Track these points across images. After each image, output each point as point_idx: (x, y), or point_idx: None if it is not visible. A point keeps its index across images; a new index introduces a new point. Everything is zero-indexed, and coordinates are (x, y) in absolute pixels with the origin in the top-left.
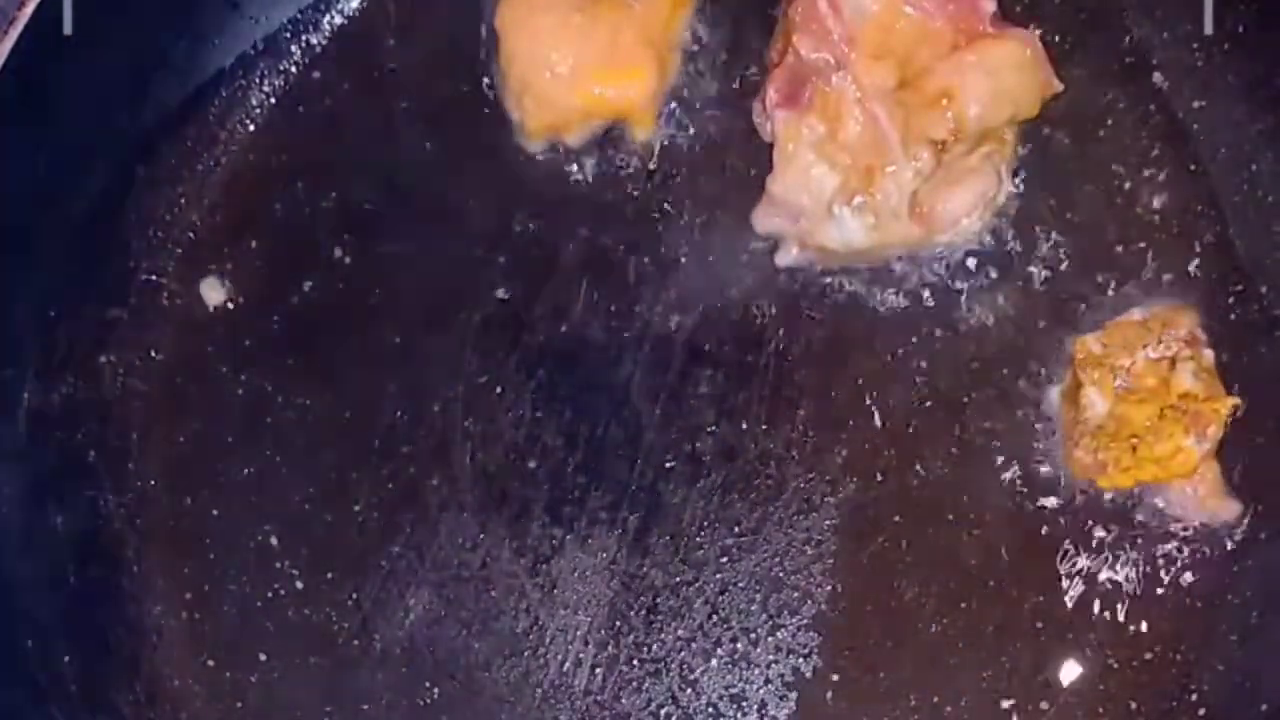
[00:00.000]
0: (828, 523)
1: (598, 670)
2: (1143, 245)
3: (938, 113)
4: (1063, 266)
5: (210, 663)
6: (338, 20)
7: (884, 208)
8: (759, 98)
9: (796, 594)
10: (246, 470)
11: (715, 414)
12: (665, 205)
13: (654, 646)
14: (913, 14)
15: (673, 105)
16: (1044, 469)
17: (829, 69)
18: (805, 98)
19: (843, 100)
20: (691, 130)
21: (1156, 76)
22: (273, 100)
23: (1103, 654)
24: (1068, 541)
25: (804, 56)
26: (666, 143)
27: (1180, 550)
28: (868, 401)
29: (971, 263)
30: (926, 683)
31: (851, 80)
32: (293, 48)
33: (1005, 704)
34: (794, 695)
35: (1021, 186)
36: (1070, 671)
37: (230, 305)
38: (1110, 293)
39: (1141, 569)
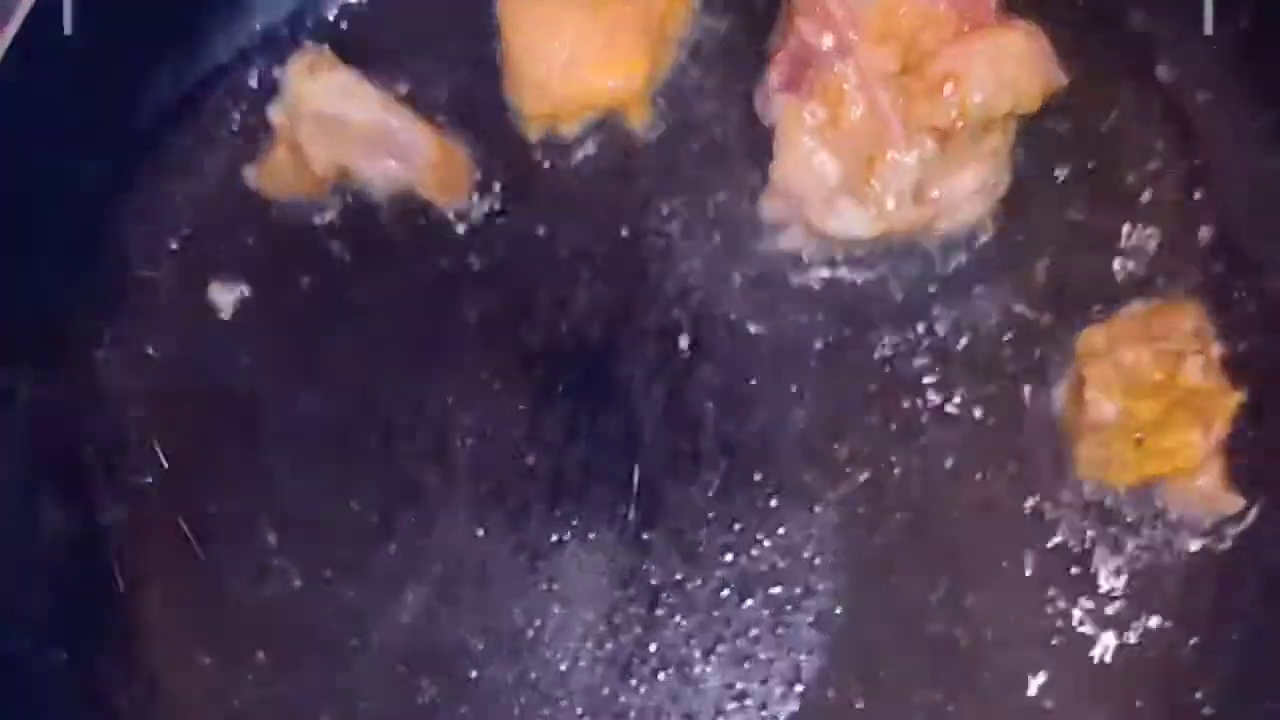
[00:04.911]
0: (828, 520)
1: (597, 667)
2: (1147, 239)
3: (940, 99)
4: (1066, 261)
5: (210, 663)
6: (337, 15)
7: (885, 197)
8: (760, 83)
9: (797, 591)
10: (246, 470)
11: (715, 412)
12: (666, 198)
13: (654, 644)
14: None
15: (674, 94)
16: (1047, 466)
17: (831, 53)
18: (807, 82)
19: (845, 85)
20: (693, 119)
21: (1161, 70)
22: (272, 97)
23: (1103, 654)
24: (1070, 539)
25: (806, 41)
26: (668, 132)
27: (1182, 548)
28: (868, 399)
29: (975, 258)
30: (927, 681)
31: (854, 65)
32: (292, 44)
33: (1005, 704)
34: (795, 693)
35: (1025, 180)
36: (1071, 671)
37: (230, 305)
38: (1114, 287)
39: (1143, 567)
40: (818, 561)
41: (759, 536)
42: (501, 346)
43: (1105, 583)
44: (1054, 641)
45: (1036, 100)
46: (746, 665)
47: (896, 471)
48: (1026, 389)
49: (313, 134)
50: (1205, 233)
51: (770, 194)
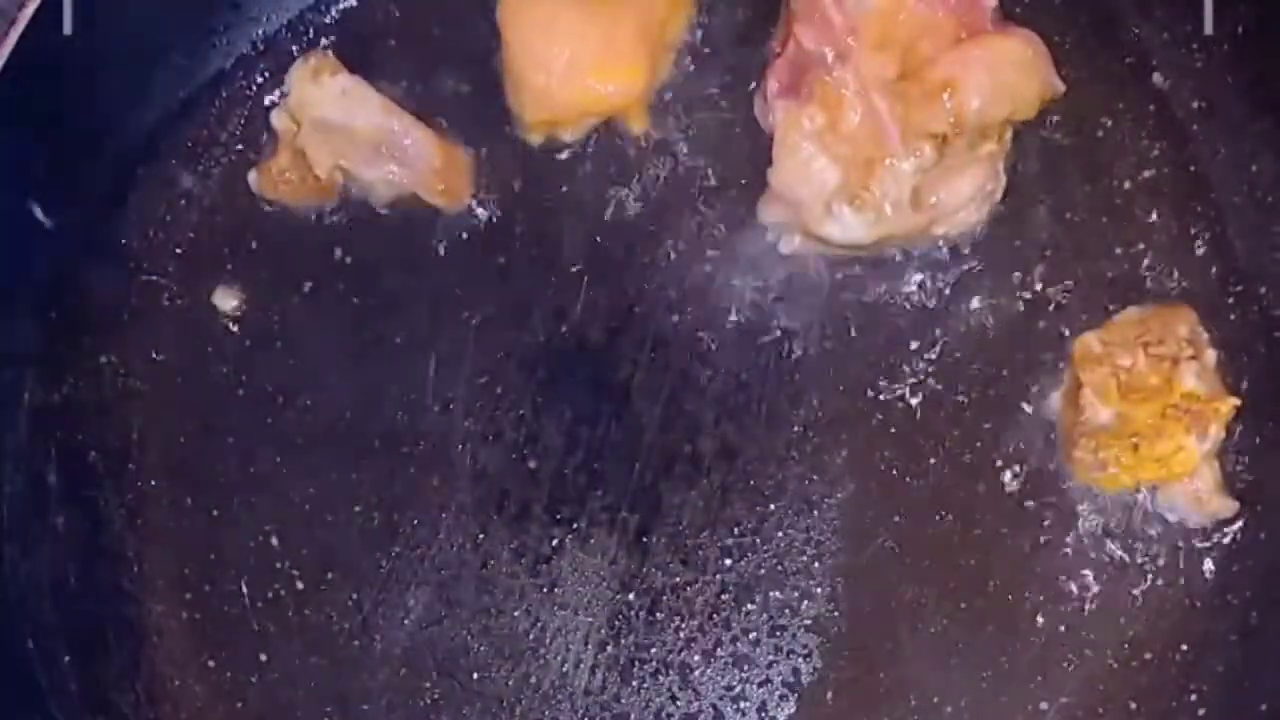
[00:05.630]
0: (828, 523)
1: (598, 670)
2: (1142, 245)
3: (937, 105)
4: (1062, 266)
5: (210, 663)
6: (338, 20)
7: (883, 203)
8: (760, 89)
9: (796, 594)
10: (246, 470)
11: (715, 414)
12: (666, 202)
13: (654, 647)
14: (915, 6)
15: (673, 99)
16: (1044, 469)
17: (830, 59)
18: (806, 88)
19: (843, 91)
20: (692, 124)
21: (1156, 77)
22: (273, 100)
23: (1103, 654)
24: (1068, 541)
25: (805, 47)
26: (667, 138)
27: (1180, 550)
28: (868, 401)
29: (972, 263)
30: (926, 683)
31: (852, 71)
32: (293, 48)
33: (1005, 704)
34: (794, 696)
35: (1021, 186)
36: (1070, 672)
37: (231, 305)
38: (1110, 293)
39: (1141, 569)
40: (816, 565)
41: (758, 540)
42: (502, 350)
43: (1101, 585)
44: (1050, 643)
45: (1034, 107)
46: (745, 668)
47: (894, 476)
48: (1023, 393)
49: (315, 138)
50: (1201, 239)
51: (769, 199)
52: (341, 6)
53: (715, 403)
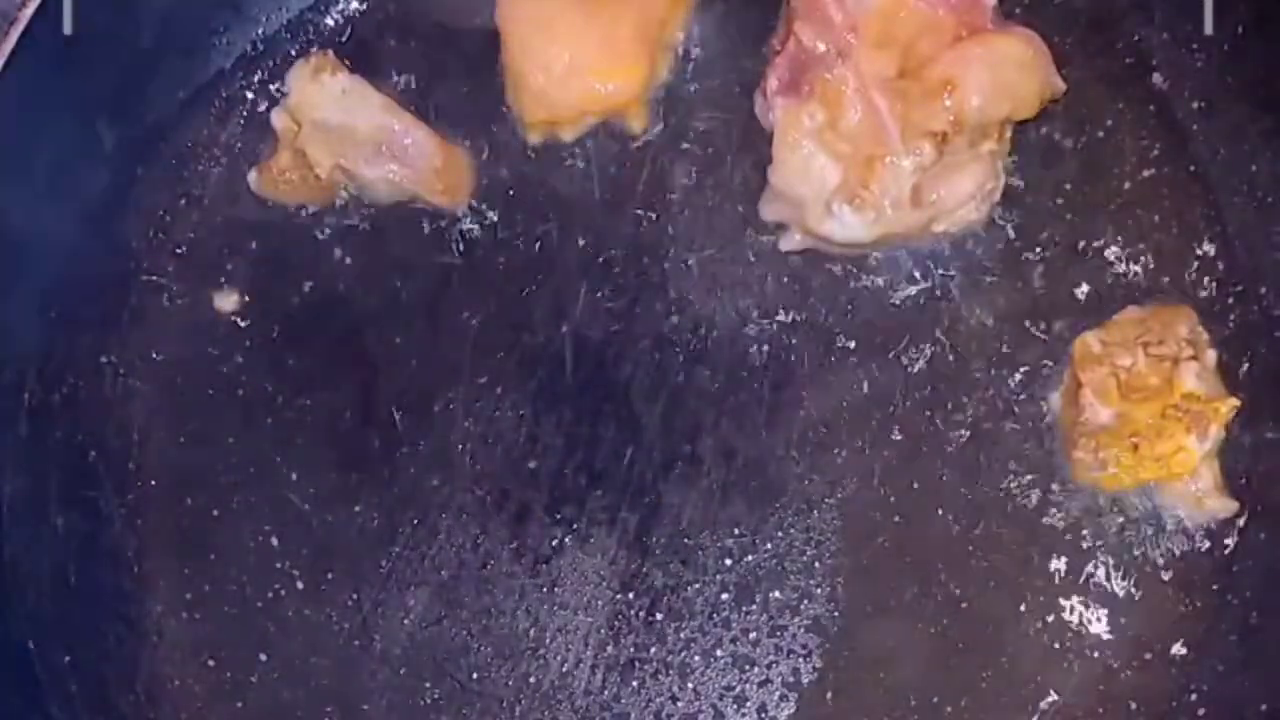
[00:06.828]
0: (828, 523)
1: (598, 670)
2: (1142, 246)
3: (937, 103)
4: (1062, 266)
5: (210, 663)
6: (338, 20)
7: (883, 201)
8: (760, 87)
9: (796, 594)
10: (246, 470)
11: (715, 414)
12: (665, 201)
13: (654, 647)
14: (916, 4)
15: (673, 98)
16: (1043, 469)
17: (831, 57)
18: (806, 86)
19: (843, 89)
20: (692, 123)
21: (1156, 77)
22: (273, 100)
23: (1103, 654)
24: (1068, 541)
25: (806, 45)
26: (667, 136)
27: (1180, 550)
28: (868, 401)
29: (972, 263)
30: (926, 683)
31: (852, 69)
32: (292, 48)
33: (1005, 704)
34: (794, 696)
35: (1021, 186)
36: (1070, 672)
37: (231, 305)
38: (1110, 293)
39: (1141, 569)
40: (816, 565)
41: (758, 540)
42: (502, 350)
43: (1101, 585)
44: (1050, 644)
45: (1034, 106)
46: (745, 668)
47: (894, 475)
48: (1023, 393)
49: (315, 138)
50: (1199, 239)
51: (769, 197)
52: (341, 7)
53: (715, 403)
